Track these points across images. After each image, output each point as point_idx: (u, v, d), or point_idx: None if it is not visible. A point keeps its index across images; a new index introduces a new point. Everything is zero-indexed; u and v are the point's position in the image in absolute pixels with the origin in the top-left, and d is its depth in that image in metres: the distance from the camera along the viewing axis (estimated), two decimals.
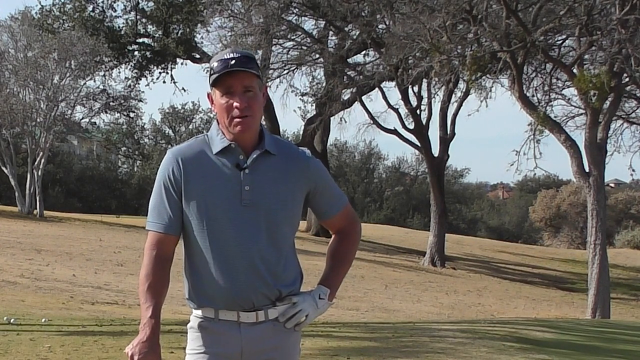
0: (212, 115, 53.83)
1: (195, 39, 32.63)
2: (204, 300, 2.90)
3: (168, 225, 2.89)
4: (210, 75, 2.87)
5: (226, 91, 2.86)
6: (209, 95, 2.95)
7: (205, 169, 2.87)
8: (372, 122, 29.52)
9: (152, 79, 32.97)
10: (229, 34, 29.21)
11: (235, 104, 2.84)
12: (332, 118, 30.96)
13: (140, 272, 2.93)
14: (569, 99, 21.99)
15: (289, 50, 30.26)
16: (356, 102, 29.94)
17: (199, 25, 31.29)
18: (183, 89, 42.67)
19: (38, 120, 27.84)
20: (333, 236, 3.11)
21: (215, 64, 2.87)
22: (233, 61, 2.84)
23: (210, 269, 2.87)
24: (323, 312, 2.99)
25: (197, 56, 32.45)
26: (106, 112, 32.79)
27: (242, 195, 2.86)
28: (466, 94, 28.61)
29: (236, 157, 2.89)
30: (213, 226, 2.85)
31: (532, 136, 20.14)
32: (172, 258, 2.94)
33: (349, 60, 30.32)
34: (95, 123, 40.67)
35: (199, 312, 2.94)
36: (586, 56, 19.68)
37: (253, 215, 2.86)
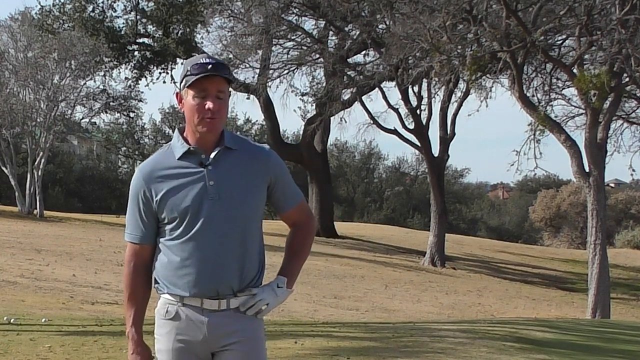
0: None
1: (196, 39, 32.62)
2: (171, 287, 3.12)
3: (143, 237, 3.16)
4: (186, 76, 3.07)
5: (200, 94, 3.06)
6: (177, 94, 3.15)
7: (172, 174, 3.10)
8: (372, 122, 29.50)
9: (152, 79, 32.98)
10: (229, 34, 29.27)
11: (208, 105, 3.04)
12: (332, 118, 30.96)
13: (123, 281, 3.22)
14: (569, 99, 21.99)
15: (289, 50, 30.31)
16: (356, 102, 29.92)
17: (199, 25, 31.30)
18: None
19: (38, 120, 27.84)
20: (290, 230, 3.31)
21: (192, 67, 3.05)
22: (210, 66, 3.04)
23: (180, 261, 3.08)
24: (283, 299, 3.19)
25: None
26: (106, 112, 32.78)
27: (208, 190, 3.07)
28: (466, 94, 28.58)
29: (198, 157, 3.11)
30: (184, 222, 3.07)
31: (532, 136, 20.12)
32: (151, 264, 3.18)
33: (349, 60, 30.31)
34: (95, 123, 40.75)
35: (166, 297, 3.15)
36: (586, 56, 19.66)
37: (220, 208, 3.07)
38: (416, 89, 28.59)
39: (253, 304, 3.09)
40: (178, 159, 3.10)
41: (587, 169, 17.92)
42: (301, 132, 33.94)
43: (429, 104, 29.24)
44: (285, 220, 3.30)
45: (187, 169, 3.09)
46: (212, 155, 3.09)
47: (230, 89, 3.21)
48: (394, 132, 29.27)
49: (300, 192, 3.31)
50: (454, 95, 29.01)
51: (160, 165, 3.12)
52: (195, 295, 3.07)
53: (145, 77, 32.91)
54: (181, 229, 3.07)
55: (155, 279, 3.17)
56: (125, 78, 32.77)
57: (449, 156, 30.01)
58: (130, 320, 3.14)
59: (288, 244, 3.28)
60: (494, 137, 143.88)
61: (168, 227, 3.09)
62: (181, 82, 3.09)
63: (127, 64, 32.59)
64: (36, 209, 27.44)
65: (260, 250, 3.18)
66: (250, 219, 3.12)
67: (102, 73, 30.93)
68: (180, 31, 32.09)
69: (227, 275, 3.07)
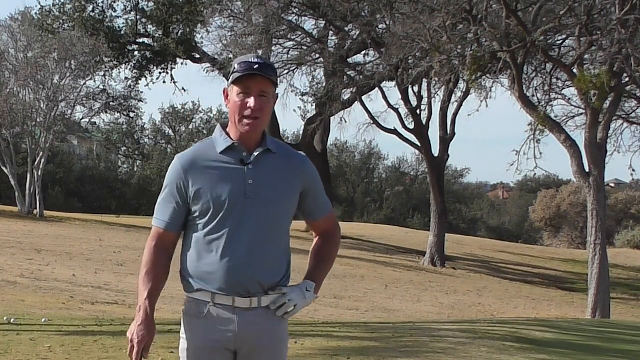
0: (212, 115, 53.92)
1: (195, 39, 32.60)
2: (203, 284, 3.12)
3: (169, 223, 3.16)
4: (233, 72, 3.12)
5: (244, 90, 3.10)
6: (225, 90, 3.19)
7: (211, 167, 3.11)
8: (372, 122, 29.50)
9: (152, 79, 32.94)
10: (229, 34, 29.24)
11: (250, 103, 3.09)
12: (332, 118, 30.94)
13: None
14: (569, 99, 21.99)
15: (289, 50, 30.28)
16: (356, 102, 29.91)
17: (199, 25, 31.27)
18: (183, 89, 42.49)
19: (38, 120, 27.85)
20: (316, 238, 3.35)
21: (239, 65, 3.11)
22: (256, 65, 3.08)
23: (212, 255, 3.09)
24: (309, 303, 3.23)
25: (197, 56, 32.42)
26: (106, 112, 32.80)
27: (246, 188, 3.10)
28: (466, 94, 28.58)
29: (240, 154, 3.13)
30: (218, 217, 3.08)
31: (532, 136, 20.13)
32: (172, 252, 3.20)
33: (349, 60, 30.30)
34: (95, 123, 40.78)
35: (195, 295, 3.15)
36: (586, 56, 19.66)
37: (255, 207, 3.09)
38: (416, 89, 28.61)
39: (283, 303, 3.12)
40: (220, 153, 3.12)
41: (587, 169, 17.92)
42: (301, 132, 33.91)
43: (429, 104, 29.26)
44: (314, 229, 3.34)
45: (228, 164, 3.11)
46: (255, 154, 3.12)
47: None
48: (394, 132, 29.28)
49: (329, 202, 3.36)
50: (454, 95, 29.04)
51: (201, 156, 3.13)
52: (227, 293, 3.08)
53: (145, 77, 32.89)
54: (214, 223, 3.08)
55: (183, 275, 3.17)
56: (125, 78, 32.79)
57: (449, 156, 30.04)
58: (145, 294, 3.09)
59: (316, 252, 3.31)
60: (494, 137, 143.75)
61: (201, 220, 3.10)
62: (228, 79, 3.14)
63: (127, 64, 32.57)
64: (36, 209, 27.44)
65: (288, 253, 3.21)
66: (282, 221, 3.15)
67: (102, 73, 30.93)
68: (180, 31, 32.07)
69: (259, 274, 3.08)
